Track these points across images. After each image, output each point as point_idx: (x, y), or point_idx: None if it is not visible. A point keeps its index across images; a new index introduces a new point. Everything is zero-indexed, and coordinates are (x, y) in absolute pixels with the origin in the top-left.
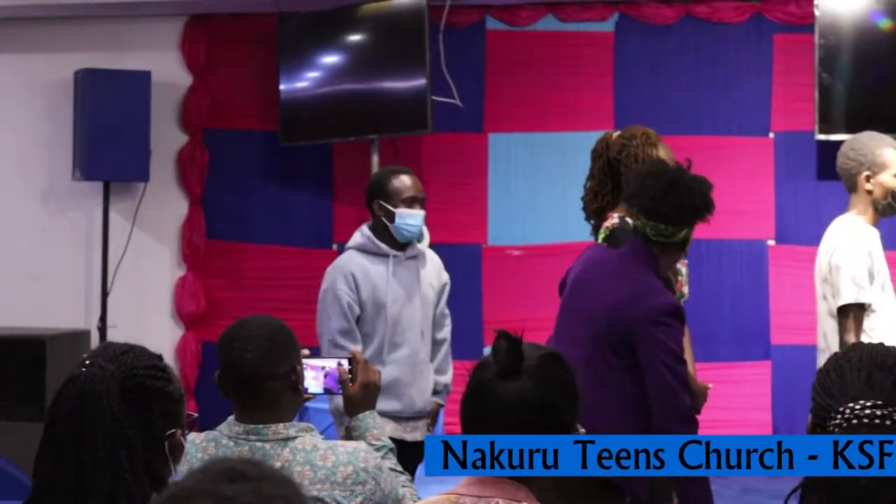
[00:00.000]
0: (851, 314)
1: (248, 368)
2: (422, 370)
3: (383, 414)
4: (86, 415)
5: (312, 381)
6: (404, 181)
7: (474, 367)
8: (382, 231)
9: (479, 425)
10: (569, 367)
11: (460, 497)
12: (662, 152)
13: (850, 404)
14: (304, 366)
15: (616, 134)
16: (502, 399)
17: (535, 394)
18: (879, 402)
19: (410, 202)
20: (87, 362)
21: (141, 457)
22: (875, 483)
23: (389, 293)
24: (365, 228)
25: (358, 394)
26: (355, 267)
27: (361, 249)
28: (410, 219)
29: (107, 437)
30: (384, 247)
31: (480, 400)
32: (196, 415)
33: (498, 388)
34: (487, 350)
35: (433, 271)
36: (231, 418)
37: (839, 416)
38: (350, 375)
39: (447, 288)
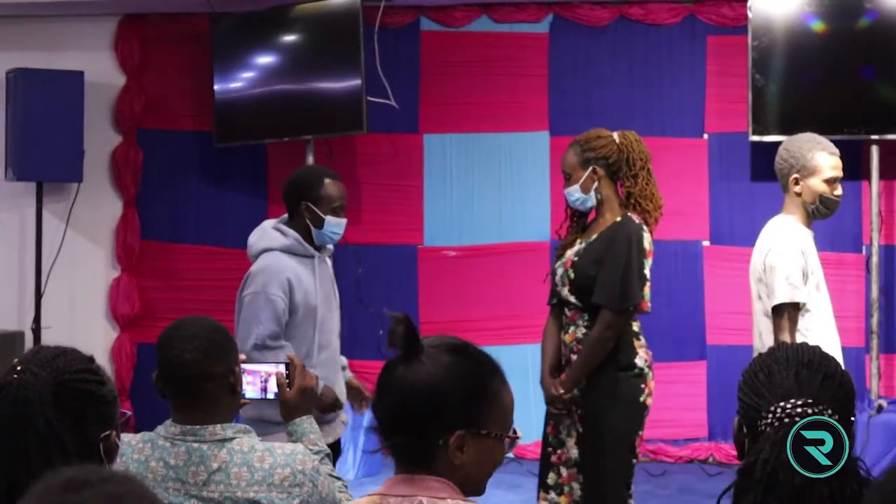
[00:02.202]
0: (786, 313)
1: (187, 368)
2: (339, 370)
3: None
4: (18, 422)
5: (250, 385)
6: (336, 189)
7: None
8: (303, 232)
9: (378, 404)
10: (478, 359)
11: (384, 497)
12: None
13: (781, 403)
14: (242, 370)
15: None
16: (395, 381)
17: (424, 381)
18: (810, 401)
19: (338, 210)
20: (19, 368)
21: (76, 462)
22: (811, 480)
23: (318, 296)
24: (287, 229)
25: (295, 399)
26: (289, 271)
27: (288, 251)
28: (337, 227)
29: (40, 443)
30: (311, 248)
31: (381, 378)
32: (129, 413)
33: (395, 370)
34: None
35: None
36: (168, 420)
37: (770, 416)
38: (287, 380)
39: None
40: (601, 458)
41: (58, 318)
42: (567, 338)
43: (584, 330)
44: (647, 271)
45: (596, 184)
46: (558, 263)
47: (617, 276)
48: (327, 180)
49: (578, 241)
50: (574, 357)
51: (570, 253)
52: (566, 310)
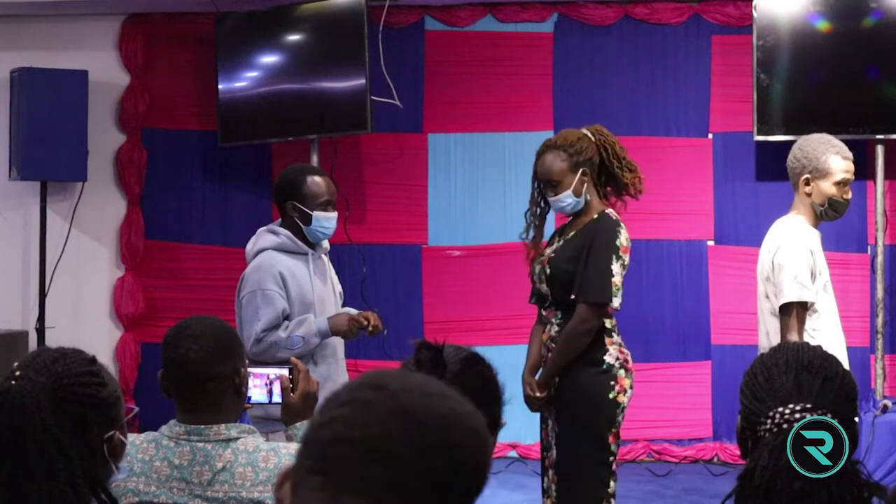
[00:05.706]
0: (794, 312)
1: (193, 368)
2: (343, 368)
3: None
4: (17, 430)
5: (256, 388)
6: (320, 184)
7: None
8: (295, 231)
9: None
10: (487, 364)
11: None
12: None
13: (780, 408)
14: (249, 373)
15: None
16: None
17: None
18: (809, 406)
19: (326, 205)
20: (17, 374)
21: (79, 466)
22: (809, 485)
23: (315, 291)
24: (278, 229)
25: (298, 403)
26: (281, 266)
27: (281, 249)
28: (326, 221)
29: (41, 450)
30: (303, 246)
31: None
32: (137, 408)
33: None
34: None
35: (333, 274)
36: (173, 420)
37: (769, 421)
38: (290, 384)
39: (342, 297)
40: (571, 457)
41: (62, 318)
42: (544, 336)
43: (556, 328)
44: (614, 267)
45: (585, 186)
46: (537, 261)
47: (593, 272)
48: (310, 177)
49: (557, 239)
50: (550, 355)
51: (549, 251)
52: (543, 308)
